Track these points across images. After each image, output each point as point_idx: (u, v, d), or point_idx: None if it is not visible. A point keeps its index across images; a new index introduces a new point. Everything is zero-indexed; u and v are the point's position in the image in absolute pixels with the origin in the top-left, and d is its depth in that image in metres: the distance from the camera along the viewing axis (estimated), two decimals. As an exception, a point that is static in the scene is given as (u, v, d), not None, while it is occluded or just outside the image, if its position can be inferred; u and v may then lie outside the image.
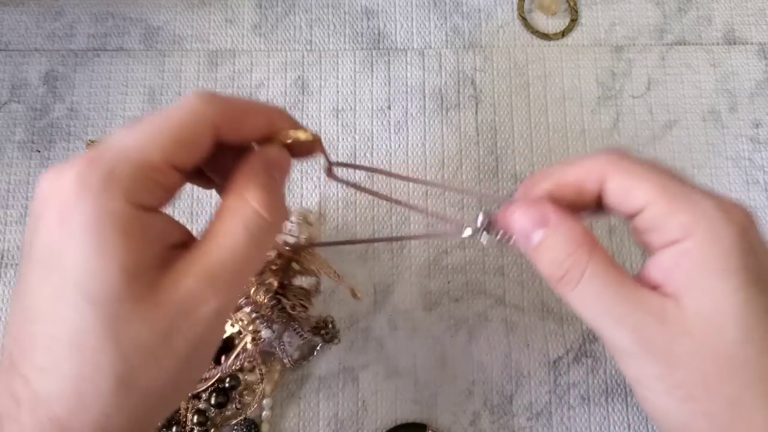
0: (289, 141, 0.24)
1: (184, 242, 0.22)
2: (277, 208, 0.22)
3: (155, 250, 0.20)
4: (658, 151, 0.43)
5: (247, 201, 0.21)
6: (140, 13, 0.45)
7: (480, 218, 0.26)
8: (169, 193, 0.21)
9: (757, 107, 0.44)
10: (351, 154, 0.42)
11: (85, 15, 0.44)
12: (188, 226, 0.40)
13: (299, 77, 0.44)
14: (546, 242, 0.24)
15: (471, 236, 0.26)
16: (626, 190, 0.23)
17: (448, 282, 0.40)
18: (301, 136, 0.24)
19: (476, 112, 0.43)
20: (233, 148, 0.23)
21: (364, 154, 0.42)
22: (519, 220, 0.24)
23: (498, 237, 0.26)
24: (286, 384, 0.38)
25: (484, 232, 0.26)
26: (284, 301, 0.34)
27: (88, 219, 0.19)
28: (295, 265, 0.33)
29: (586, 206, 0.25)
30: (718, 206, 0.21)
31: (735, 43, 0.45)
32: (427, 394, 0.39)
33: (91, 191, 0.19)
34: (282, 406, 0.38)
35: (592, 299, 0.22)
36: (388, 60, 0.44)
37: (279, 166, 0.23)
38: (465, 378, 0.39)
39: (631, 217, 0.24)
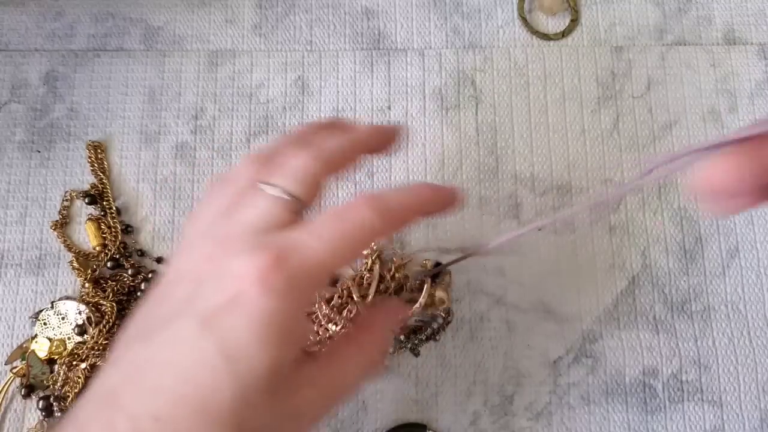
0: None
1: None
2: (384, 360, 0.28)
3: (297, 351, 0.23)
4: (658, 151, 0.43)
5: (371, 351, 0.26)
6: (140, 13, 0.45)
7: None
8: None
9: (758, 107, 0.44)
10: (351, 155, 0.42)
11: (85, 15, 0.44)
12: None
13: (299, 77, 0.44)
14: None
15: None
16: None
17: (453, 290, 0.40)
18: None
19: (476, 113, 0.44)
20: None
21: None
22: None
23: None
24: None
25: None
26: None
27: (267, 312, 0.21)
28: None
29: None
30: None
31: (735, 44, 0.45)
32: (427, 394, 0.39)
33: (276, 291, 0.21)
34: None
35: None
36: (388, 60, 0.44)
37: (396, 320, 0.30)
38: (465, 378, 0.39)
39: None
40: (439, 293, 0.38)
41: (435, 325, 0.39)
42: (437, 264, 0.39)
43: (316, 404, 0.23)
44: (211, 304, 0.21)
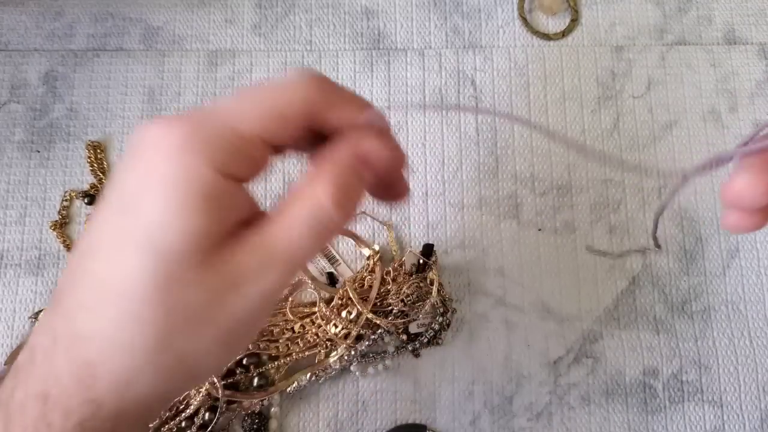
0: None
1: (252, 218, 0.22)
2: (346, 207, 0.22)
3: (227, 221, 0.20)
4: (658, 151, 0.43)
5: (316, 193, 0.21)
6: (140, 13, 0.45)
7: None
8: (257, 167, 0.21)
9: (758, 107, 0.44)
10: (351, 154, 0.42)
11: (84, 15, 0.44)
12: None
13: (299, 77, 0.44)
14: None
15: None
16: None
17: (449, 282, 0.40)
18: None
19: (476, 113, 0.43)
20: (324, 136, 0.23)
21: (364, 154, 0.42)
22: None
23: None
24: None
25: None
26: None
27: (174, 176, 0.19)
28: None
29: None
30: None
31: (735, 43, 0.45)
32: (427, 394, 0.39)
33: (182, 152, 0.19)
34: (282, 406, 0.38)
35: None
36: (388, 60, 0.44)
37: (367, 160, 0.23)
38: (465, 378, 0.39)
39: None
40: (431, 275, 0.39)
41: (436, 326, 0.39)
42: (427, 246, 0.40)
43: (259, 272, 0.20)
44: (125, 190, 0.20)
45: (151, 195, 0.19)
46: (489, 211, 0.42)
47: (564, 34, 0.45)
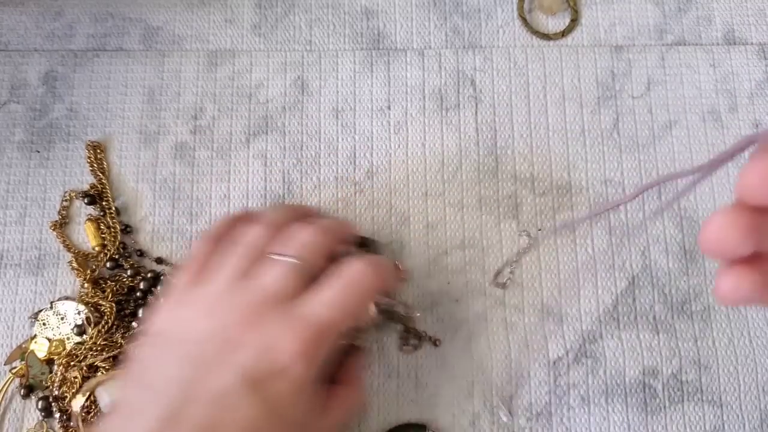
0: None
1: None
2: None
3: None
4: (658, 152, 0.43)
5: (358, 398, 0.36)
6: (140, 13, 0.45)
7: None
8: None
9: (757, 108, 0.44)
10: (350, 155, 0.42)
11: (84, 15, 0.44)
12: (187, 227, 0.40)
13: (299, 77, 0.44)
14: None
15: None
16: None
17: (448, 282, 0.40)
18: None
19: (476, 113, 0.43)
20: None
21: (364, 155, 0.42)
22: None
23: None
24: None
25: None
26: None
27: (303, 376, 0.28)
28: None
29: None
30: None
31: (735, 44, 0.45)
32: (427, 394, 0.39)
33: (314, 362, 0.29)
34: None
35: None
36: (388, 60, 0.44)
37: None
38: (465, 378, 0.39)
39: None
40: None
41: (402, 311, 0.38)
42: (366, 240, 0.39)
43: (337, 426, 0.31)
44: (258, 369, 0.27)
45: (285, 385, 0.29)
46: (488, 211, 0.42)
47: (564, 34, 0.45)
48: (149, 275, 0.39)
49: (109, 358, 0.37)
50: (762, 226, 0.19)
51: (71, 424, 0.36)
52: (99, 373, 0.37)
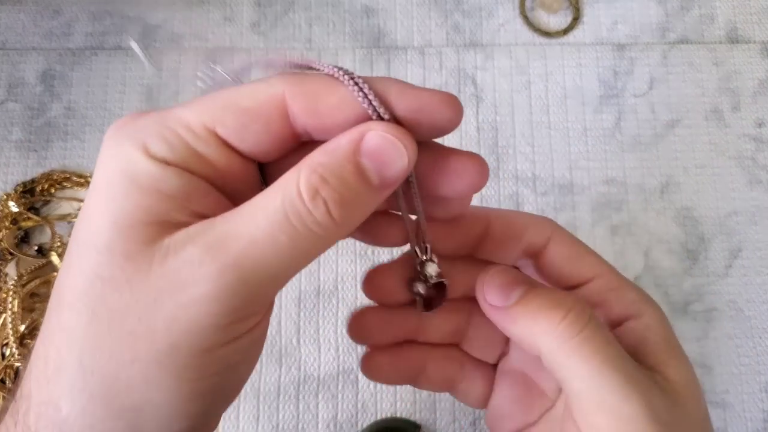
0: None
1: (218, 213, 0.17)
2: (332, 209, 0.16)
3: (166, 209, 0.16)
4: (660, 151, 0.43)
5: (292, 182, 0.16)
6: (138, 11, 0.44)
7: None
8: (210, 164, 0.17)
9: (760, 106, 0.44)
10: (351, 154, 0.42)
11: (82, 14, 0.44)
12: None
13: (298, 76, 0.43)
14: (532, 298, 0.20)
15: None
16: (577, 255, 0.22)
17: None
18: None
19: (477, 111, 0.43)
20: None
21: (364, 154, 0.42)
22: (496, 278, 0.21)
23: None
24: (285, 385, 0.38)
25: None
26: None
27: (102, 162, 0.17)
28: None
29: (508, 260, 0.23)
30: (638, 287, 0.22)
31: (738, 42, 0.45)
32: (426, 395, 0.38)
33: (112, 138, 0.17)
34: (280, 407, 0.38)
35: (594, 355, 0.19)
36: (388, 58, 0.44)
37: (383, 153, 0.17)
38: (466, 379, 0.39)
39: (571, 287, 0.22)
40: None
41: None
42: None
43: (204, 273, 0.15)
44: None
45: (90, 190, 0.17)
46: (490, 211, 0.41)
47: (565, 32, 0.45)
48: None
49: None
50: (393, 320, 0.23)
51: None
52: None
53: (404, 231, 0.21)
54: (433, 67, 0.44)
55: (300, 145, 0.19)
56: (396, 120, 0.18)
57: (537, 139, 0.43)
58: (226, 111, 0.17)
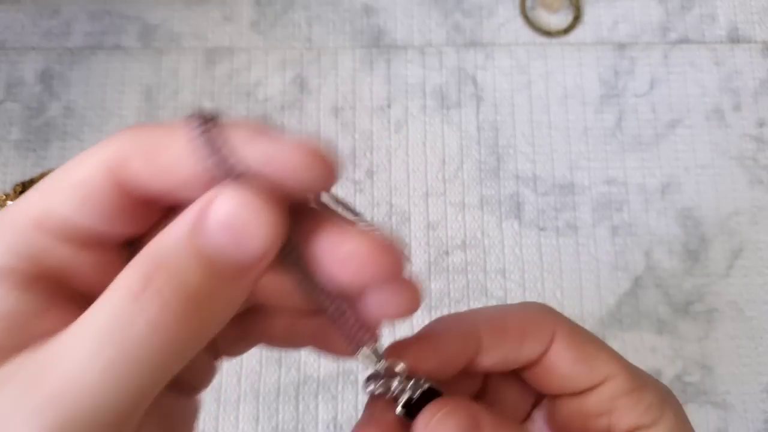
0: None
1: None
2: (190, 304, 0.13)
3: None
4: (661, 151, 0.43)
5: (123, 278, 0.13)
6: (137, 10, 0.44)
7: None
8: (57, 268, 0.14)
9: (762, 106, 0.43)
10: (350, 154, 0.42)
11: (81, 13, 0.44)
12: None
13: (298, 75, 0.43)
14: None
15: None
16: (584, 357, 0.19)
17: (449, 283, 0.40)
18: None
19: (477, 111, 0.43)
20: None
21: (364, 154, 0.42)
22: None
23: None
24: (284, 386, 0.38)
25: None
26: None
27: None
28: None
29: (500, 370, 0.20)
30: (659, 382, 0.20)
31: (739, 42, 0.45)
32: (427, 396, 0.38)
33: None
34: (280, 408, 0.38)
35: None
36: (388, 58, 0.44)
37: (235, 226, 0.14)
38: (466, 380, 0.39)
39: (578, 393, 0.19)
40: None
41: None
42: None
43: (18, 413, 0.12)
44: None
45: None
46: (490, 211, 0.41)
47: (566, 31, 0.44)
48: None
49: None
50: None
51: None
52: None
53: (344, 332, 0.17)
54: (434, 67, 0.44)
55: (171, 210, 0.15)
56: (261, 175, 0.14)
57: (537, 138, 0.42)
58: (55, 192, 0.14)
